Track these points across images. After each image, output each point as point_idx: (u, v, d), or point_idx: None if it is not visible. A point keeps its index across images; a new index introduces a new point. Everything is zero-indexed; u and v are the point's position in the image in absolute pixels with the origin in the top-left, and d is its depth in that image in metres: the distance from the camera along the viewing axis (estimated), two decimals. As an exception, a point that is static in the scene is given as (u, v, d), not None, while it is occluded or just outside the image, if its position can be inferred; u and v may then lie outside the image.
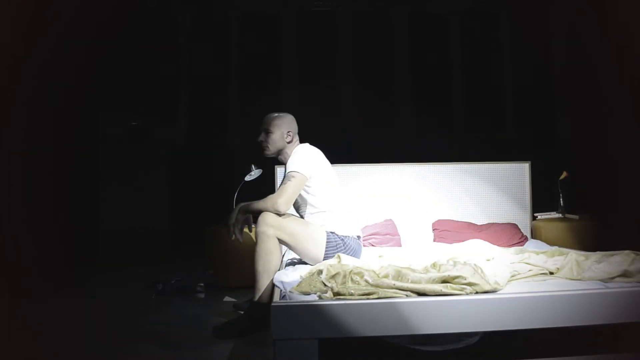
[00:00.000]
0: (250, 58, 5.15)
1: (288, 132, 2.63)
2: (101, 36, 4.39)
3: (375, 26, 5.15)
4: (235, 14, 5.15)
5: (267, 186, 3.56)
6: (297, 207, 2.66)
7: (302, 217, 2.66)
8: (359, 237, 2.63)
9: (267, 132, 2.62)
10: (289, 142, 2.64)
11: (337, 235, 2.51)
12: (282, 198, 2.41)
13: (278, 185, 3.58)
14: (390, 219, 3.55)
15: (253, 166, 3.51)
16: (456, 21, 5.14)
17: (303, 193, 2.56)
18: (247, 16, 5.14)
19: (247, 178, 3.50)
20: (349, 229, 2.57)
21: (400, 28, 5.15)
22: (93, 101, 4.71)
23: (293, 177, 2.45)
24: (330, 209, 2.57)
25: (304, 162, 2.50)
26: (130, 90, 5.10)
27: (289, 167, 2.50)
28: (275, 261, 2.38)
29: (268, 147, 2.63)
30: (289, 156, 2.59)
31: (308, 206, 2.59)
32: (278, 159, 2.72)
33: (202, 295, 3.32)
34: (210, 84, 5.17)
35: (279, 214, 2.41)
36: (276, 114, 2.67)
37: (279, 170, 3.61)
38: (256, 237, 2.39)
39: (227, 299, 3.13)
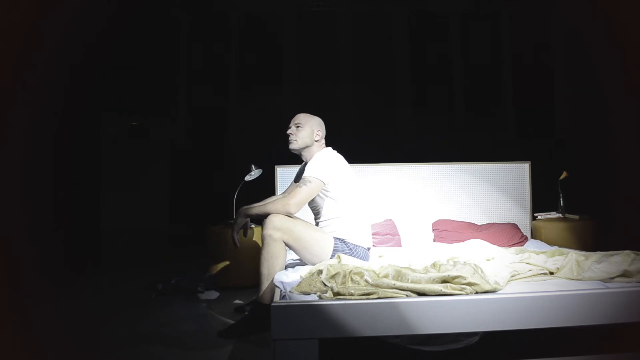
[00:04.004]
0: (250, 58, 5.15)
1: (317, 131, 2.66)
2: (101, 36, 4.39)
3: (375, 26, 5.15)
4: (236, 13, 5.14)
5: (267, 186, 3.57)
6: (316, 211, 2.66)
7: (318, 221, 2.66)
8: (368, 248, 2.63)
9: (298, 127, 2.64)
10: (316, 141, 2.65)
11: (346, 243, 2.51)
12: (295, 199, 2.40)
13: (278, 186, 3.58)
14: (390, 219, 3.55)
15: (253, 166, 3.52)
16: (456, 21, 5.13)
17: (322, 198, 2.56)
18: (247, 16, 5.14)
19: (247, 178, 3.50)
20: (361, 239, 2.56)
21: (400, 28, 5.14)
22: (93, 101, 4.71)
23: (310, 181, 2.45)
24: (347, 216, 2.56)
25: (323, 167, 2.49)
26: (130, 90, 5.10)
27: (308, 171, 2.50)
28: (280, 265, 2.37)
29: (296, 140, 2.62)
30: (313, 156, 2.61)
31: (326, 210, 2.58)
32: (301, 157, 2.71)
33: (202, 296, 3.32)
34: (210, 83, 5.17)
35: (289, 215, 2.41)
36: (307, 113, 2.71)
37: (279, 170, 3.61)
38: (262, 240, 2.38)
39: (237, 301, 3.13)
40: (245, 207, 2.54)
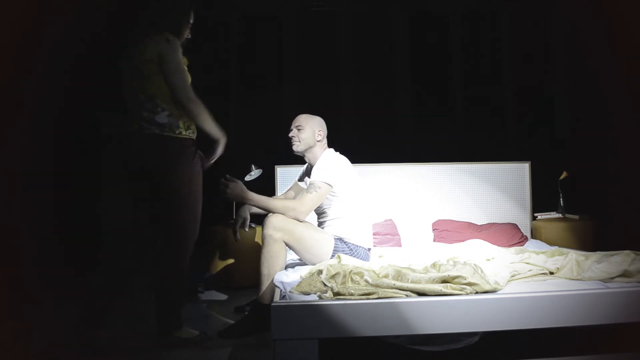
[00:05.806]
0: (250, 58, 5.14)
1: (319, 131, 2.66)
2: (102, 36, 4.39)
3: (375, 26, 5.14)
4: (236, 14, 5.14)
5: (267, 186, 3.56)
6: (320, 211, 2.66)
7: (321, 221, 2.67)
8: (369, 249, 2.63)
9: (299, 129, 2.64)
10: (318, 141, 2.66)
11: (347, 243, 2.51)
12: (305, 207, 2.43)
13: (278, 186, 3.58)
14: (390, 219, 3.55)
15: (253, 166, 3.52)
16: (456, 21, 5.13)
17: (328, 199, 2.57)
18: (247, 16, 5.14)
19: (247, 178, 3.50)
20: (361, 239, 2.57)
21: (400, 28, 5.14)
22: (93, 101, 4.70)
23: (319, 187, 2.47)
24: (349, 216, 2.57)
25: (330, 171, 2.52)
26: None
27: (317, 175, 2.51)
28: (280, 265, 2.38)
29: (299, 142, 2.64)
30: (317, 157, 2.63)
31: (330, 211, 2.60)
32: (304, 158, 2.73)
33: (202, 296, 3.32)
34: (210, 84, 5.16)
35: (298, 221, 2.42)
36: (308, 114, 2.72)
37: (279, 170, 3.61)
38: (262, 240, 2.38)
39: (238, 303, 3.13)
40: (251, 198, 2.47)
